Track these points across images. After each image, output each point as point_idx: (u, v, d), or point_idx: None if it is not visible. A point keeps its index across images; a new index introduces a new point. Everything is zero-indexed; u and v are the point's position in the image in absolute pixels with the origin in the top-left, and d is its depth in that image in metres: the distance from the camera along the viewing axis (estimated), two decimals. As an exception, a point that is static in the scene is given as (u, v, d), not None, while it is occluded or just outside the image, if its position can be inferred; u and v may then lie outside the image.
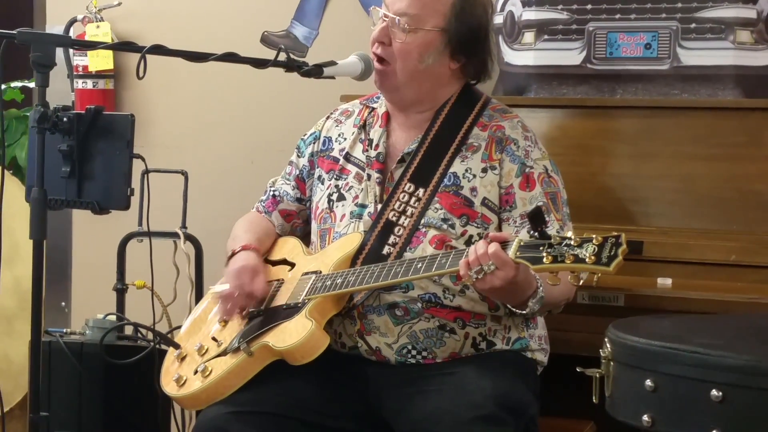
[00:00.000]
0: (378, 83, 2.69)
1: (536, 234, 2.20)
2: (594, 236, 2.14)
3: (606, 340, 2.10)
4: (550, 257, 2.17)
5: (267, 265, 2.77)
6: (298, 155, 2.88)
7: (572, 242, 2.16)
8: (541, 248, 2.20)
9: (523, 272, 2.33)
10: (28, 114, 4.53)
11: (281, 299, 2.63)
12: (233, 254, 2.75)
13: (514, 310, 2.49)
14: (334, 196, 2.73)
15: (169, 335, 2.95)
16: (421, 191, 2.62)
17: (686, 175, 3.09)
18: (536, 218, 2.18)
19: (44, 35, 2.40)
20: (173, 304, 3.47)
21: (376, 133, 2.74)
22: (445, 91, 2.69)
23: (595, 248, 2.13)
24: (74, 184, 2.51)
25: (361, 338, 2.60)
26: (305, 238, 2.83)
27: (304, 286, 2.60)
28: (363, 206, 2.67)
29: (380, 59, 2.65)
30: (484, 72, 2.72)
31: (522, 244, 2.26)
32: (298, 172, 2.87)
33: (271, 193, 2.91)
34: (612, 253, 2.12)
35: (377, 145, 2.72)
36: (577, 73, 3.33)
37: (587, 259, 2.14)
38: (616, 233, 2.14)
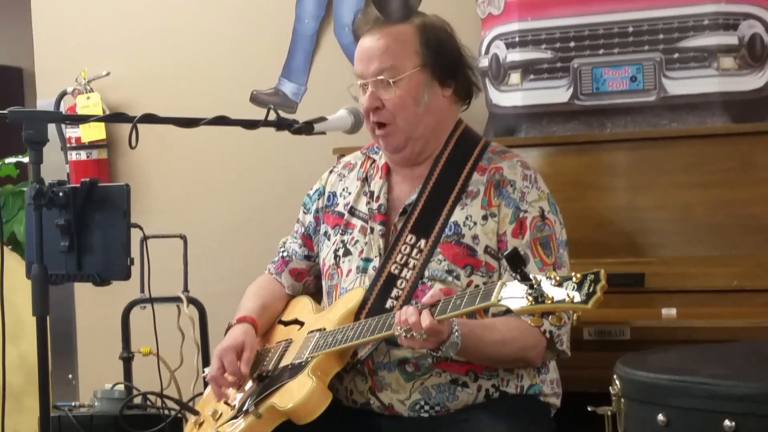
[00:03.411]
0: (384, 146, 2.69)
1: (517, 276, 2.19)
2: (573, 274, 2.14)
3: (615, 376, 2.10)
4: (530, 298, 2.16)
5: (279, 326, 2.78)
6: (304, 212, 2.88)
7: (552, 282, 2.15)
8: (521, 290, 2.19)
9: (448, 327, 2.35)
10: (24, 189, 4.56)
11: (289, 359, 2.63)
12: (230, 327, 2.75)
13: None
14: (341, 252, 2.72)
15: (191, 402, 2.95)
16: (422, 242, 2.61)
17: (682, 204, 3.11)
18: (514, 260, 2.17)
19: (35, 113, 2.41)
20: (180, 368, 3.47)
21: (376, 185, 2.75)
22: (447, 124, 2.69)
23: (574, 286, 2.13)
24: (74, 257, 2.51)
25: (372, 395, 2.59)
26: (319, 295, 2.83)
27: (309, 344, 2.59)
28: (368, 260, 2.67)
29: (380, 125, 2.65)
30: (474, 86, 2.73)
31: (505, 286, 2.24)
32: (304, 230, 2.87)
33: (281, 254, 2.91)
34: (591, 291, 2.10)
35: (378, 197, 2.72)
36: (566, 110, 3.34)
37: (566, 299, 2.13)
38: (595, 270, 2.13)
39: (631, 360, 2.11)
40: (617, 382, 2.08)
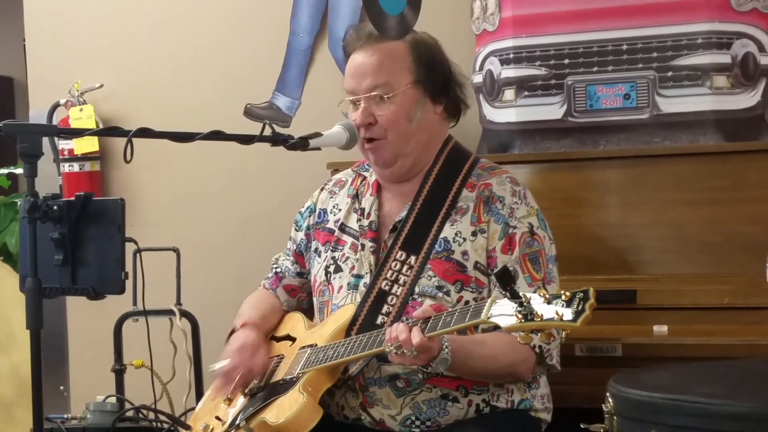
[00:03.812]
0: (374, 160, 2.70)
1: (507, 293, 2.20)
2: (563, 292, 2.15)
3: (608, 394, 2.11)
4: (520, 316, 2.17)
5: (272, 342, 2.78)
6: (296, 229, 2.89)
7: (542, 300, 2.16)
8: (511, 307, 2.19)
9: (438, 343, 2.36)
10: (16, 200, 4.56)
11: (280, 374, 2.63)
12: (233, 332, 2.75)
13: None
14: (331, 268, 2.73)
15: (184, 417, 2.95)
16: (412, 259, 2.62)
17: (674, 222, 3.12)
18: (504, 277, 2.18)
19: (30, 126, 2.41)
20: (172, 381, 3.46)
21: (367, 201, 2.76)
22: (437, 141, 2.70)
23: (564, 304, 2.14)
24: (68, 271, 2.51)
25: (364, 411, 2.59)
26: (312, 311, 2.83)
27: (300, 360, 2.60)
28: (359, 276, 2.68)
29: (370, 140, 2.65)
30: (463, 103, 2.74)
31: (494, 303, 2.25)
32: (295, 247, 2.88)
33: (275, 269, 2.92)
34: (580, 308, 2.12)
35: (369, 214, 2.73)
36: (559, 126, 3.35)
37: (555, 316, 2.14)
38: (585, 288, 2.15)
39: (624, 378, 2.12)
40: (610, 399, 2.08)
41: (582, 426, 2.14)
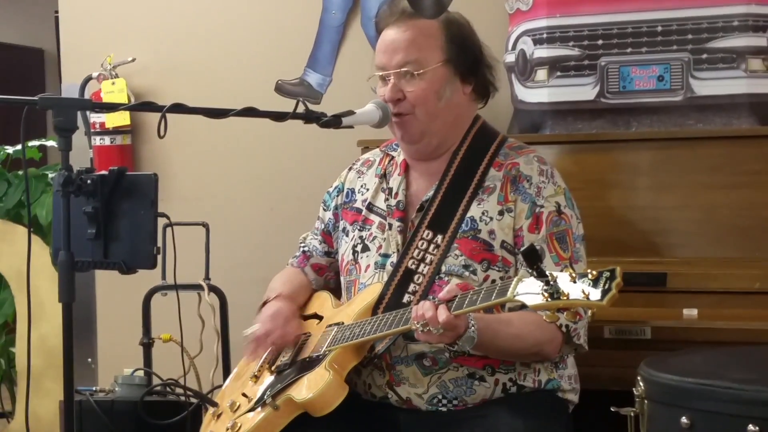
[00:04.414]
0: (400, 136, 2.69)
1: (534, 272, 2.19)
2: (589, 271, 2.14)
3: (638, 378, 2.10)
4: (546, 294, 2.16)
5: (300, 320, 2.78)
6: (324, 209, 2.90)
7: (568, 279, 2.15)
8: (537, 286, 2.19)
9: (464, 321, 2.36)
10: (47, 173, 4.58)
11: (307, 352, 2.64)
12: (266, 303, 2.76)
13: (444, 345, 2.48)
14: (359, 248, 2.74)
15: (211, 394, 2.96)
16: (439, 238, 2.62)
17: (706, 205, 3.10)
18: (531, 256, 2.17)
19: (65, 100, 2.42)
20: (200, 356, 3.48)
21: (395, 181, 2.76)
22: (464, 121, 2.70)
23: (590, 283, 2.13)
24: (100, 245, 2.51)
25: (390, 389, 2.60)
26: (339, 291, 2.83)
27: (327, 338, 2.61)
28: (386, 256, 2.68)
29: (401, 114, 2.65)
30: (492, 85, 2.74)
31: (521, 282, 2.24)
32: (323, 227, 2.89)
33: (302, 248, 2.93)
34: (606, 287, 2.10)
35: (396, 194, 2.73)
36: (592, 108, 3.34)
37: (581, 295, 2.13)
38: (611, 267, 2.13)
39: (655, 362, 2.12)
40: (641, 383, 2.08)
41: (612, 409, 2.14)
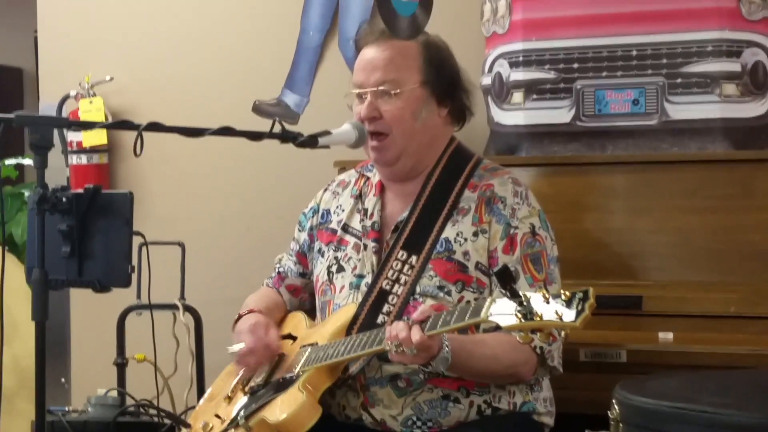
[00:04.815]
0: (376, 158, 2.70)
1: (507, 292, 2.20)
2: (563, 292, 2.14)
3: (614, 401, 2.10)
4: (519, 315, 2.16)
5: (277, 328, 2.77)
6: (299, 230, 2.90)
7: (541, 299, 2.15)
8: (511, 306, 2.18)
9: (438, 342, 2.36)
10: (23, 191, 4.56)
11: (281, 372, 2.64)
12: (239, 319, 2.75)
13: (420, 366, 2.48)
14: (334, 268, 2.74)
15: (185, 414, 2.95)
16: (414, 259, 2.62)
17: (681, 228, 3.11)
18: (504, 276, 2.18)
19: (41, 118, 2.42)
20: (174, 376, 3.46)
21: (370, 202, 2.76)
22: (440, 143, 2.71)
23: (564, 303, 2.13)
24: (75, 263, 2.50)
25: (365, 410, 2.59)
26: (314, 312, 2.83)
27: (300, 358, 2.60)
28: (361, 276, 2.68)
29: (376, 134, 2.65)
30: (468, 110, 2.75)
31: (494, 302, 2.24)
32: (298, 248, 2.89)
33: (278, 269, 2.93)
34: (580, 308, 2.10)
35: (372, 215, 2.73)
36: (567, 130, 3.35)
37: (555, 316, 2.13)
38: (585, 288, 2.14)
39: (631, 385, 2.12)
40: (616, 406, 2.08)
41: (587, 432, 2.14)
